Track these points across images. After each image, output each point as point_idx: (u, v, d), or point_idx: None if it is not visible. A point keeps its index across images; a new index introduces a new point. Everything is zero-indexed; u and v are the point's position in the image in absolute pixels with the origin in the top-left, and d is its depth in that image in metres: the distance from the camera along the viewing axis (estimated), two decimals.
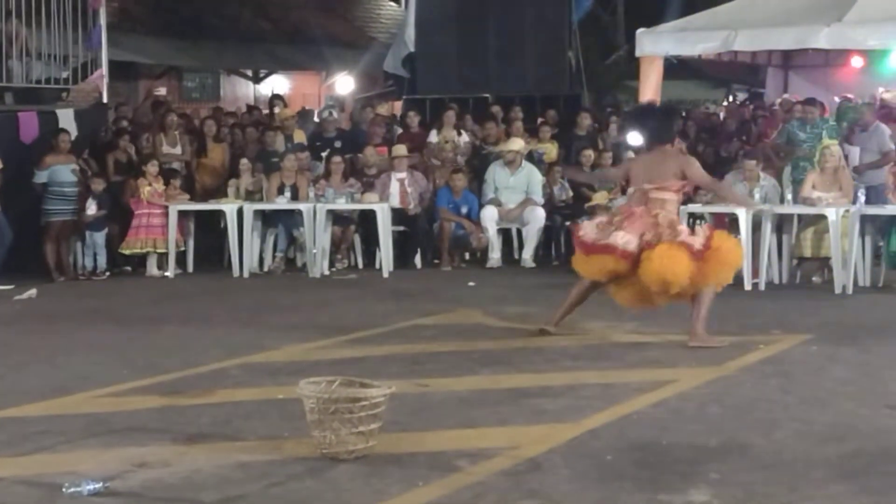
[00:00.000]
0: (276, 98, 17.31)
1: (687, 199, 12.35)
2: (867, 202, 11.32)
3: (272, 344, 8.60)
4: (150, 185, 12.98)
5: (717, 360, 7.78)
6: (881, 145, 12.91)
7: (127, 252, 13.08)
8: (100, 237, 12.93)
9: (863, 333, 8.75)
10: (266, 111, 17.05)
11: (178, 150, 14.24)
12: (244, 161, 13.85)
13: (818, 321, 9.27)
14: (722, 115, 18.41)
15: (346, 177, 13.65)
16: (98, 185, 12.95)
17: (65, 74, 14.42)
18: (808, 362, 7.72)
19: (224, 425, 6.18)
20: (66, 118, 13.39)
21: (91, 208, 12.78)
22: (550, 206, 13.99)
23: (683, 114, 9.68)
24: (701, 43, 14.56)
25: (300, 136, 14.94)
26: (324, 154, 14.03)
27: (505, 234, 14.00)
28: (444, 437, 5.89)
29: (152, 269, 13.03)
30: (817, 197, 11.35)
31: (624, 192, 13.45)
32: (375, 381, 5.77)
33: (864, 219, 11.14)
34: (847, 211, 11.11)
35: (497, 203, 13.64)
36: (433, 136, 14.94)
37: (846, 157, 12.40)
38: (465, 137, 15.02)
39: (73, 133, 13.16)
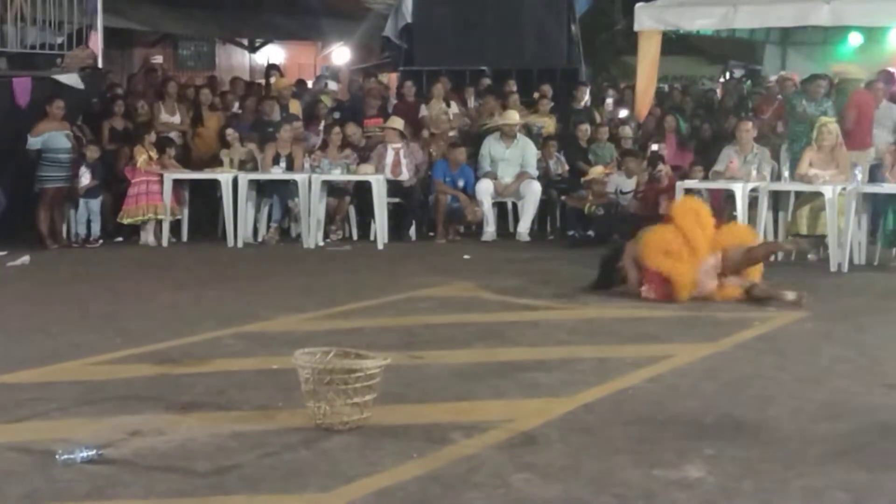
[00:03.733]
0: (272, 68, 17.22)
1: (683, 175, 12.39)
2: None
3: (266, 314, 8.58)
4: (147, 153, 12.92)
5: (713, 336, 7.78)
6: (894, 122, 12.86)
7: (127, 221, 12.98)
8: (94, 204, 12.89)
9: (858, 312, 8.74)
10: (261, 80, 17.01)
11: (176, 118, 14.21)
12: (230, 131, 13.76)
13: (813, 299, 9.24)
14: (719, 92, 18.38)
15: (343, 148, 13.61)
16: (92, 153, 12.90)
17: (59, 40, 14.32)
18: (803, 340, 7.71)
19: (218, 395, 6.16)
20: (73, 82, 13.32)
21: (84, 177, 12.73)
22: (546, 180, 13.98)
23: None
24: (700, 18, 14.53)
25: (296, 107, 14.89)
26: (320, 128, 13.94)
27: (500, 207, 13.97)
28: (439, 409, 5.88)
29: (148, 237, 12.98)
30: (814, 174, 11.33)
31: (619, 167, 13.50)
32: (371, 353, 5.75)
33: (861, 197, 11.12)
34: (844, 189, 11.09)
35: (493, 176, 13.60)
36: (423, 110, 14.92)
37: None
38: (454, 108, 14.98)
39: (80, 87, 13.08)
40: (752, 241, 9.71)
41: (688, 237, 9.13)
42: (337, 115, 14.68)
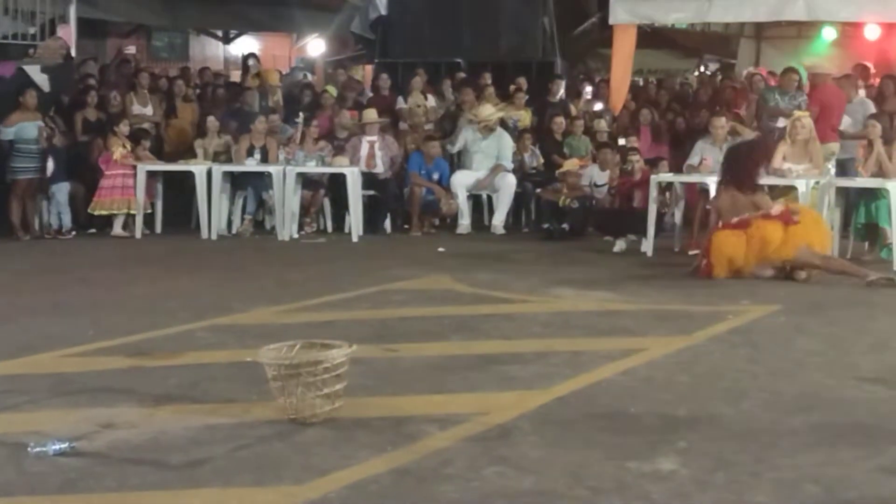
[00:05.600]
0: (250, 56, 17.12)
1: (652, 169, 12.43)
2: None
3: (240, 307, 8.55)
4: (123, 145, 12.86)
5: (687, 329, 7.80)
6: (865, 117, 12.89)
7: (98, 212, 12.91)
8: (61, 195, 12.78)
9: (830, 305, 8.79)
10: (236, 71, 16.93)
11: (148, 110, 14.14)
12: (211, 119, 13.70)
13: (786, 292, 9.31)
14: (694, 86, 18.42)
15: (318, 140, 13.57)
16: (58, 141, 12.79)
17: (32, 30, 14.25)
18: (776, 333, 7.74)
19: (191, 387, 6.14)
20: (35, 74, 13.25)
21: (49, 165, 12.64)
22: (521, 173, 13.98)
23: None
24: (675, 12, 14.58)
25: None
26: (298, 120, 13.89)
27: (475, 200, 13.98)
28: (413, 402, 5.87)
29: (117, 229, 12.92)
30: (788, 168, 11.38)
31: (594, 159, 13.52)
32: (336, 342, 5.70)
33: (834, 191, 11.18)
34: (817, 182, 11.15)
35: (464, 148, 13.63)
36: (401, 102, 14.90)
37: None
38: (431, 102, 14.97)
39: (45, 88, 13.02)
40: (820, 233, 10.14)
41: (749, 258, 9.81)
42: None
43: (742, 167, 10.30)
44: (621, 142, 13.76)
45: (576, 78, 18.20)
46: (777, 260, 9.87)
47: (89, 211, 12.94)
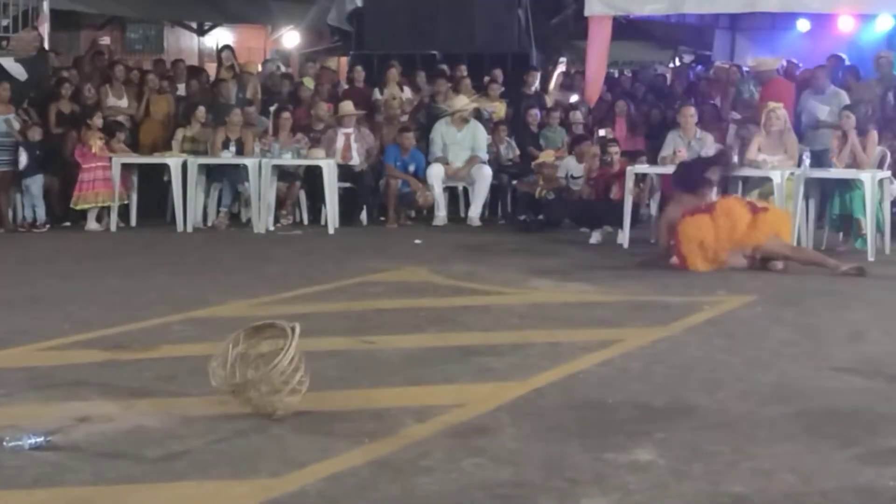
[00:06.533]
0: (225, 48, 17.06)
1: (630, 162, 12.45)
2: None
3: (216, 299, 8.52)
4: (100, 137, 12.78)
5: (663, 320, 7.82)
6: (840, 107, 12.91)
7: (81, 206, 12.79)
8: (35, 188, 12.69)
9: (806, 296, 8.83)
10: (211, 63, 16.86)
11: (123, 102, 14.06)
12: (201, 108, 13.63)
13: (762, 283, 9.35)
14: (669, 77, 18.47)
15: (294, 132, 13.54)
16: (32, 134, 12.70)
17: (5, 22, 14.15)
18: (751, 323, 7.77)
19: (168, 381, 6.11)
20: (15, 72, 13.19)
21: (22, 158, 12.56)
22: (497, 164, 13.99)
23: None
24: (650, 3, 14.58)
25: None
26: (272, 108, 13.84)
27: (451, 192, 13.98)
28: (391, 394, 5.87)
29: (92, 222, 12.84)
30: (762, 159, 11.42)
31: (571, 151, 13.53)
32: (278, 321, 5.57)
33: (809, 182, 11.22)
34: (792, 174, 11.19)
35: (444, 161, 13.60)
36: (377, 94, 14.88)
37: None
38: (407, 94, 14.96)
39: (23, 78, 12.94)
40: (787, 228, 10.26)
41: (721, 238, 9.86)
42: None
43: (693, 182, 10.43)
44: (601, 133, 13.79)
45: (551, 70, 18.22)
46: (749, 244, 9.90)
47: (72, 206, 12.83)
